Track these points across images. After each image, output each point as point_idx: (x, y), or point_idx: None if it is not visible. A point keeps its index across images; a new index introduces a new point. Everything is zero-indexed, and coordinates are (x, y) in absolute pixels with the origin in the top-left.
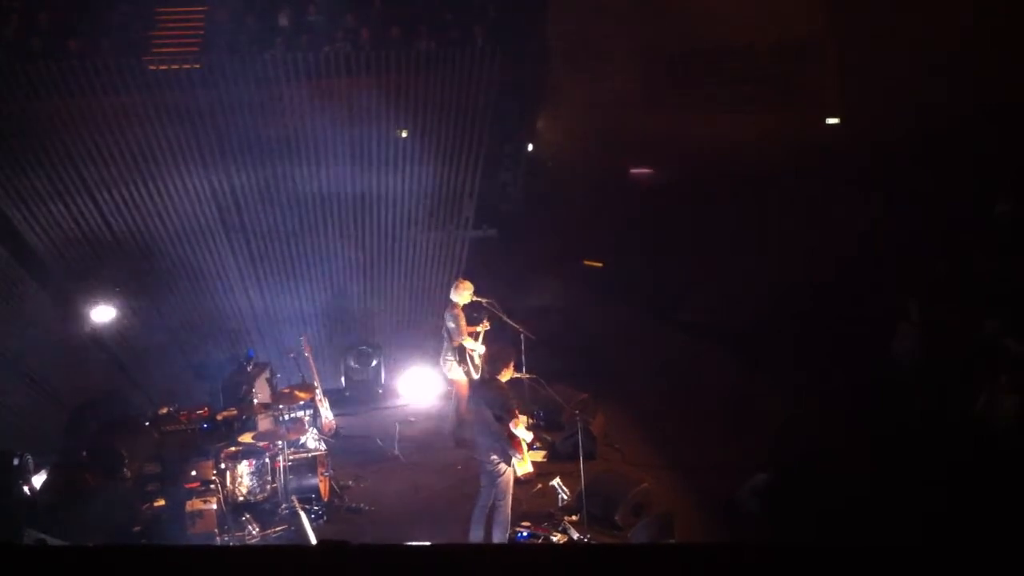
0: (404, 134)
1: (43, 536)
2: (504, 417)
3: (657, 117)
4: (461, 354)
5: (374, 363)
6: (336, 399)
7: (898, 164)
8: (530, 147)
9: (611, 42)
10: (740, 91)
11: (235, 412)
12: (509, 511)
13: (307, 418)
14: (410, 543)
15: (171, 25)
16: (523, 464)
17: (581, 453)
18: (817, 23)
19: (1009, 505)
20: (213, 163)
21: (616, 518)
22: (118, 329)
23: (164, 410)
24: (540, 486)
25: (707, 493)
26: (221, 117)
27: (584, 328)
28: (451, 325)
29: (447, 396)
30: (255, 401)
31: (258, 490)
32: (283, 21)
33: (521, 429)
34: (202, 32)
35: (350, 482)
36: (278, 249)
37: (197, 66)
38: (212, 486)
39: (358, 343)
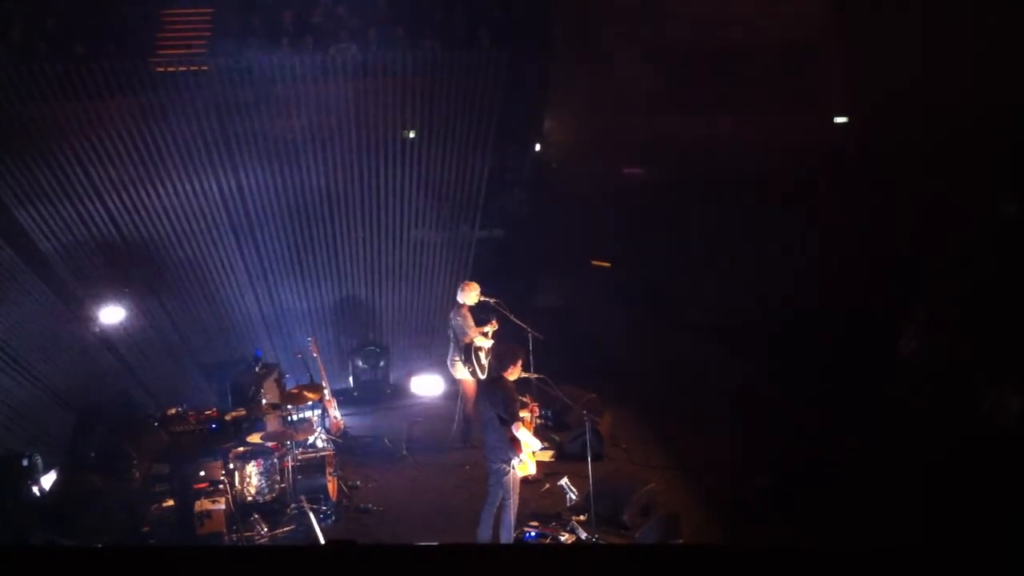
0: (411, 135)
1: (52, 536)
2: (507, 419)
3: (662, 118)
4: (467, 354)
5: (382, 363)
6: (344, 399)
7: (903, 164)
8: (536, 148)
9: (616, 43)
10: (745, 92)
11: (243, 413)
12: (515, 510)
13: (315, 418)
14: (418, 543)
15: (177, 27)
16: (524, 467)
17: (589, 453)
18: (821, 23)
19: (1014, 506)
20: (221, 164)
21: (624, 518)
22: (126, 330)
23: (172, 411)
24: (548, 486)
25: (714, 493)
26: (228, 118)
27: (591, 328)
28: (458, 324)
29: (455, 396)
30: (263, 402)
31: (267, 490)
32: (289, 23)
33: (524, 432)
34: (208, 34)
35: (358, 482)
36: (286, 250)
37: (204, 67)
38: (221, 486)
39: (366, 344)
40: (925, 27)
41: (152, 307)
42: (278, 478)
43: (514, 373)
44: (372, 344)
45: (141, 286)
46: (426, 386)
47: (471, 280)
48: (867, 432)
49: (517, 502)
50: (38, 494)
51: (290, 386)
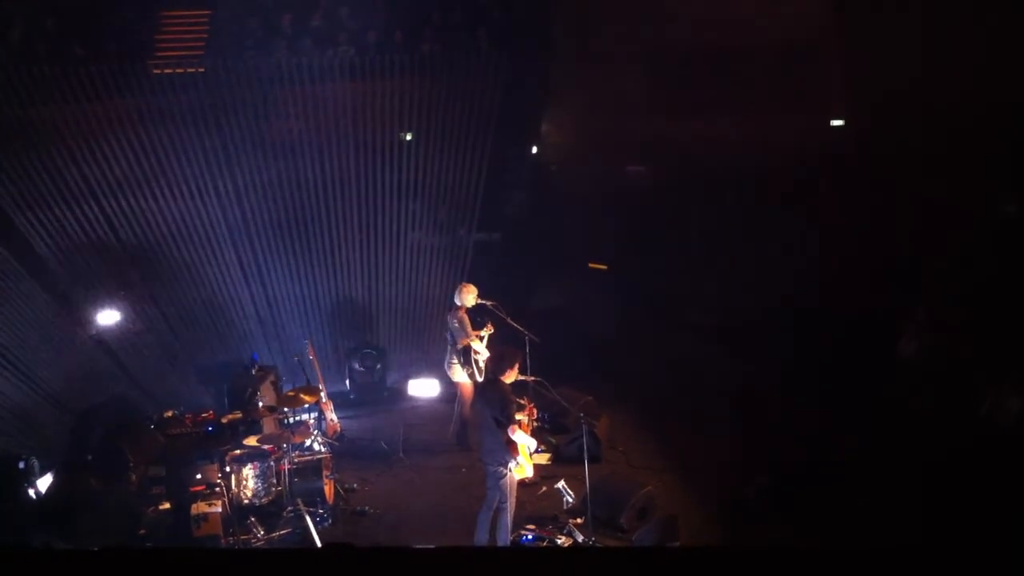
0: (408, 137)
1: (49, 539)
2: (503, 422)
3: (661, 119)
4: (465, 356)
5: (379, 366)
6: (341, 402)
7: (902, 164)
8: (534, 150)
9: (615, 44)
10: (745, 92)
11: (240, 415)
12: (512, 513)
13: (312, 421)
14: (415, 546)
15: (175, 29)
16: (521, 470)
17: (586, 456)
18: (820, 24)
19: (1014, 506)
20: (218, 167)
21: (621, 521)
22: (123, 333)
23: (169, 413)
24: (545, 489)
25: (713, 495)
26: (225, 121)
27: (588, 331)
28: (455, 326)
29: (451, 399)
30: (260, 404)
31: (263, 493)
32: (287, 25)
33: (521, 435)
34: (206, 36)
35: (355, 485)
36: (283, 253)
37: (201, 70)
38: (217, 489)
39: (362, 346)
40: (925, 27)
41: (149, 310)
42: (275, 481)
43: (511, 376)
44: (369, 347)
45: (138, 289)
46: (423, 389)
47: (468, 282)
48: (867, 432)
49: (514, 505)
50: (34, 496)
51: (287, 389)
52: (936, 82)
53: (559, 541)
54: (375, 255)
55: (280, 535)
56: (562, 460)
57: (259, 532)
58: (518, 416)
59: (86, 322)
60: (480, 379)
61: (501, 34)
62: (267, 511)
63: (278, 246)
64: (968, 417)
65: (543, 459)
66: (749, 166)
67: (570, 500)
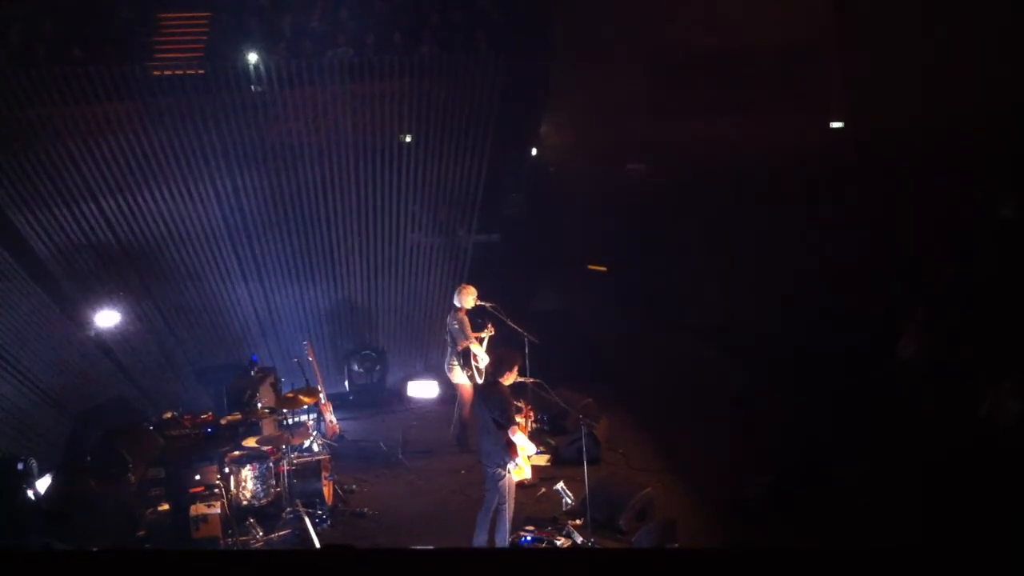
0: (408, 139)
1: (48, 540)
2: (503, 423)
3: (660, 121)
4: (465, 358)
5: (378, 367)
6: (340, 403)
7: (902, 164)
8: (533, 152)
9: (614, 46)
10: (743, 94)
11: (239, 417)
12: (511, 515)
13: (311, 422)
14: (414, 547)
15: (174, 31)
16: (520, 471)
17: (585, 457)
18: (820, 26)
19: (1014, 506)
20: (217, 168)
21: (620, 522)
22: (122, 334)
23: (168, 415)
24: (544, 490)
25: (713, 496)
26: (225, 122)
27: (588, 332)
28: (455, 328)
29: (451, 400)
30: (259, 406)
31: (262, 494)
32: (286, 27)
33: (521, 437)
34: (205, 38)
35: (354, 486)
36: (282, 254)
37: (201, 72)
38: (216, 491)
39: (362, 348)
40: (925, 27)
41: (148, 311)
42: (274, 482)
43: (510, 377)
44: (368, 348)
45: (137, 290)
46: (422, 390)
47: (468, 284)
48: (867, 432)
49: (513, 506)
50: (33, 498)
51: (286, 390)
52: (936, 82)
53: (558, 542)
54: (374, 256)
55: (279, 536)
56: (561, 462)
57: (258, 533)
58: (516, 418)
59: (85, 323)
60: (480, 381)
61: (500, 35)
62: (266, 512)
63: (277, 247)
64: (968, 417)
65: (542, 461)
66: (749, 166)
67: (569, 502)
